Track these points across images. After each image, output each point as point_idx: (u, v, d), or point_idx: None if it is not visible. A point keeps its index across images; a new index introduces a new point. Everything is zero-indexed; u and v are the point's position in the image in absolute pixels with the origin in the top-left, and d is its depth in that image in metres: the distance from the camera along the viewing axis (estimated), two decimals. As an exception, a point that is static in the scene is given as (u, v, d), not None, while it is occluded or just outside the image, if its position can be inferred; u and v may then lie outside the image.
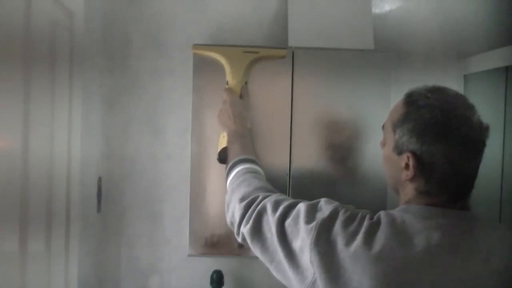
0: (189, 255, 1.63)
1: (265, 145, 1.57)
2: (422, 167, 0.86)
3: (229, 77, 1.37)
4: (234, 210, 1.08)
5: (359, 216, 0.88)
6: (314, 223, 0.88)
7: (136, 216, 1.77)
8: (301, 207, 0.94)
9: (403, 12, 1.77)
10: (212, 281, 1.66)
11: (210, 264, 1.73)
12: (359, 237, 0.83)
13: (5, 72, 0.89)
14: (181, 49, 1.73)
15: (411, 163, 0.87)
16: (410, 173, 0.87)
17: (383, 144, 0.97)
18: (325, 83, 1.60)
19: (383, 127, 0.98)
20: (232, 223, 1.10)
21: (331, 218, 0.88)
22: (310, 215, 0.91)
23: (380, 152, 1.01)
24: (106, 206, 1.74)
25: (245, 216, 1.03)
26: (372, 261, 0.80)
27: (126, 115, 1.76)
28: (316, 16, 1.67)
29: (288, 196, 1.58)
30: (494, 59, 1.56)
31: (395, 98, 1.65)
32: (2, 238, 0.89)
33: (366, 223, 0.85)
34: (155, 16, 1.75)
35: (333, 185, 1.62)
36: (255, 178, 1.13)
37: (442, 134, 0.84)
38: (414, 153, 0.86)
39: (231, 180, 1.18)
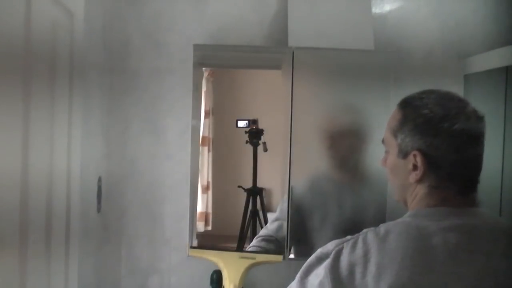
0: (189, 255, 1.63)
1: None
2: (430, 162, 0.87)
3: (226, 283, 1.43)
4: None
5: (360, 238, 0.86)
6: (323, 275, 0.86)
7: (136, 216, 1.77)
8: (297, 278, 0.92)
9: (403, 12, 1.77)
10: (212, 281, 1.66)
11: (210, 264, 1.73)
12: (373, 256, 0.82)
13: (5, 72, 0.89)
14: (181, 49, 1.73)
15: (418, 161, 0.87)
16: (419, 171, 0.88)
17: (385, 160, 0.97)
18: (325, 83, 1.61)
19: (383, 141, 0.98)
20: None
21: (336, 257, 0.86)
22: (315, 273, 0.88)
23: (379, 152, 1.01)
24: (106, 206, 1.74)
25: None
26: (396, 273, 0.80)
27: (126, 115, 1.76)
28: (316, 16, 1.67)
29: (289, 195, 1.58)
30: (494, 59, 1.56)
31: (395, 98, 1.65)
32: (2, 238, 0.89)
33: (373, 239, 0.84)
34: (155, 16, 1.75)
35: (333, 187, 1.62)
36: None
37: (443, 125, 0.86)
38: (420, 150, 0.87)
39: None
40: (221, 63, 1.72)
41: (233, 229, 1.72)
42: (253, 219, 1.72)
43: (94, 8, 1.57)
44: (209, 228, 1.78)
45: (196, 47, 1.61)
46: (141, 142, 1.76)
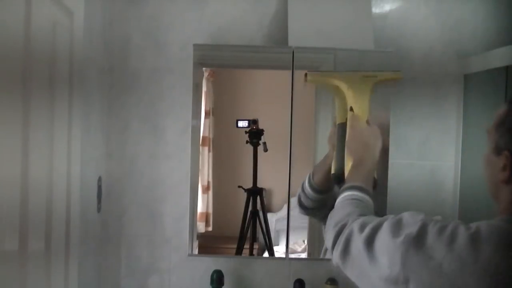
0: (189, 255, 1.63)
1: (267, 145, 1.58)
2: None
3: (352, 102, 1.28)
4: (329, 235, 1.08)
5: (450, 226, 0.84)
6: (401, 239, 0.85)
7: (136, 216, 1.77)
8: (386, 226, 0.91)
9: (403, 12, 1.77)
10: (212, 281, 1.66)
11: (210, 264, 1.73)
12: (458, 248, 0.80)
13: (4, 71, 0.89)
14: (181, 49, 1.73)
15: (508, 161, 0.84)
16: (507, 172, 0.84)
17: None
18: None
19: (487, 131, 0.94)
20: (328, 247, 1.10)
21: (421, 233, 0.84)
22: (396, 231, 0.88)
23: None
24: (106, 206, 1.74)
25: (336, 241, 1.03)
26: (478, 275, 0.78)
27: (126, 115, 1.76)
28: (316, 16, 1.67)
29: (289, 195, 1.58)
30: (494, 59, 1.56)
31: (395, 98, 1.65)
32: (2, 238, 0.89)
33: (463, 233, 0.81)
34: (155, 16, 1.75)
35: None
36: (351, 205, 1.10)
37: None
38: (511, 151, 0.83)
39: (336, 204, 1.17)
40: (221, 63, 1.72)
41: (233, 229, 1.72)
42: (253, 220, 1.72)
43: (94, 8, 1.57)
44: (210, 228, 1.78)
45: (196, 47, 1.61)
46: (141, 142, 1.76)
